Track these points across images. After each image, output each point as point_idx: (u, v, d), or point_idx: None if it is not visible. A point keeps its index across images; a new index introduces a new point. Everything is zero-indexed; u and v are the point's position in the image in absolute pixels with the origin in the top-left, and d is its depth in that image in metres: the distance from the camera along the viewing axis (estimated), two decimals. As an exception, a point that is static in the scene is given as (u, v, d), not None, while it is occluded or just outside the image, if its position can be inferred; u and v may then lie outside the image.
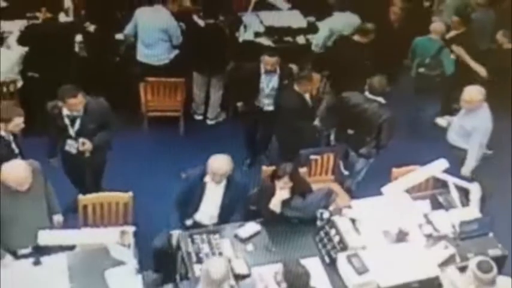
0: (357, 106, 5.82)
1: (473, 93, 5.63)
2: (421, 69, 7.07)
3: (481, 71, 6.82)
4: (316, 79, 6.99)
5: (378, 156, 5.95)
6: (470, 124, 5.67)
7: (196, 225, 4.98)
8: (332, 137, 6.27)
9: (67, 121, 5.20)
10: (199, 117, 7.33)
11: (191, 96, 7.21)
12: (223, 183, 4.88)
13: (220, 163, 4.77)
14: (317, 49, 7.37)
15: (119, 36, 7.06)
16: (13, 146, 4.97)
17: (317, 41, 7.37)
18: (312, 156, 5.84)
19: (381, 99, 5.76)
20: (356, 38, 6.73)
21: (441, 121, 6.14)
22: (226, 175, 4.82)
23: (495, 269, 4.09)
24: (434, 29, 7.03)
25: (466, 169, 5.69)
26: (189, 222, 4.99)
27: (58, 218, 4.76)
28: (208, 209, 4.97)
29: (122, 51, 7.08)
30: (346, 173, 6.19)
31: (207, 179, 4.87)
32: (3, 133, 4.89)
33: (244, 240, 4.77)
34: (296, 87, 6.01)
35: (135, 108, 6.88)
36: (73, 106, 5.08)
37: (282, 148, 6.32)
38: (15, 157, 4.84)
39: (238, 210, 5.00)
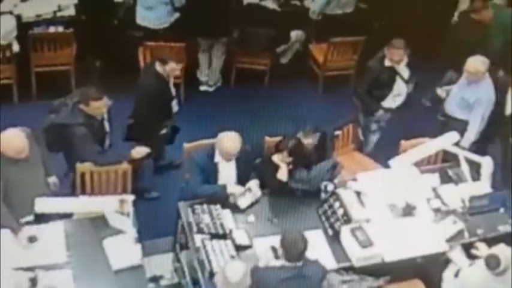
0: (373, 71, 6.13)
1: (477, 64, 5.75)
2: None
3: None
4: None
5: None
6: (473, 96, 5.81)
7: None
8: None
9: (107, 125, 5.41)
10: (204, 87, 7.44)
11: (191, 63, 7.26)
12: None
13: (233, 143, 4.88)
14: (314, 16, 7.46)
15: (118, -2, 7.18)
16: (105, 124, 5.34)
17: (314, 7, 7.46)
18: (336, 132, 5.96)
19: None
20: None
21: (441, 91, 6.27)
22: (237, 153, 4.95)
23: (503, 264, 4.19)
24: None
25: (466, 141, 5.80)
26: None
27: (53, 180, 5.02)
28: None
29: (121, 14, 7.19)
30: (361, 138, 6.36)
31: (217, 159, 4.99)
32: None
33: (245, 211, 4.97)
34: None
35: (134, 74, 7.04)
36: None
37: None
38: (104, 135, 5.35)
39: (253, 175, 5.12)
